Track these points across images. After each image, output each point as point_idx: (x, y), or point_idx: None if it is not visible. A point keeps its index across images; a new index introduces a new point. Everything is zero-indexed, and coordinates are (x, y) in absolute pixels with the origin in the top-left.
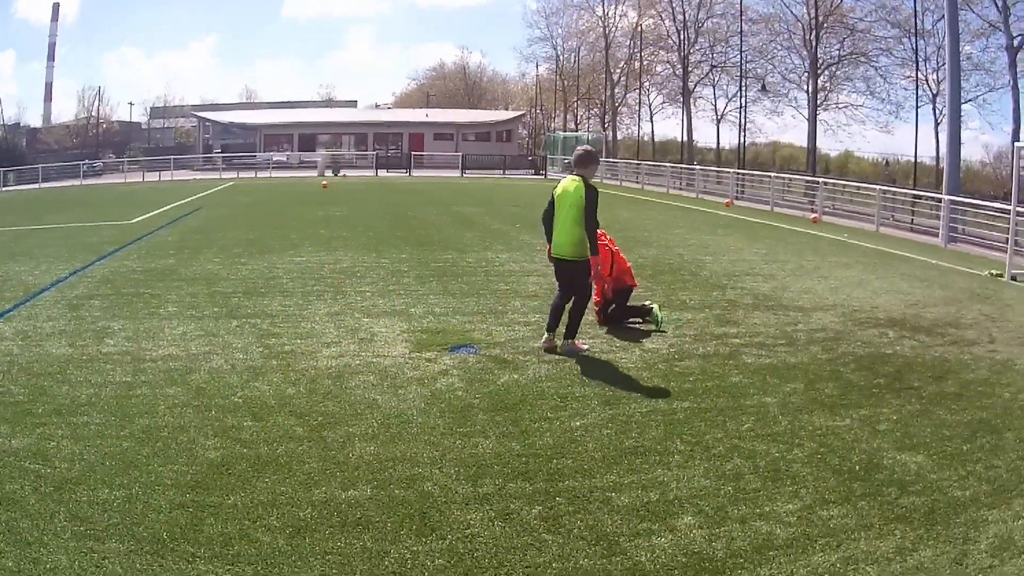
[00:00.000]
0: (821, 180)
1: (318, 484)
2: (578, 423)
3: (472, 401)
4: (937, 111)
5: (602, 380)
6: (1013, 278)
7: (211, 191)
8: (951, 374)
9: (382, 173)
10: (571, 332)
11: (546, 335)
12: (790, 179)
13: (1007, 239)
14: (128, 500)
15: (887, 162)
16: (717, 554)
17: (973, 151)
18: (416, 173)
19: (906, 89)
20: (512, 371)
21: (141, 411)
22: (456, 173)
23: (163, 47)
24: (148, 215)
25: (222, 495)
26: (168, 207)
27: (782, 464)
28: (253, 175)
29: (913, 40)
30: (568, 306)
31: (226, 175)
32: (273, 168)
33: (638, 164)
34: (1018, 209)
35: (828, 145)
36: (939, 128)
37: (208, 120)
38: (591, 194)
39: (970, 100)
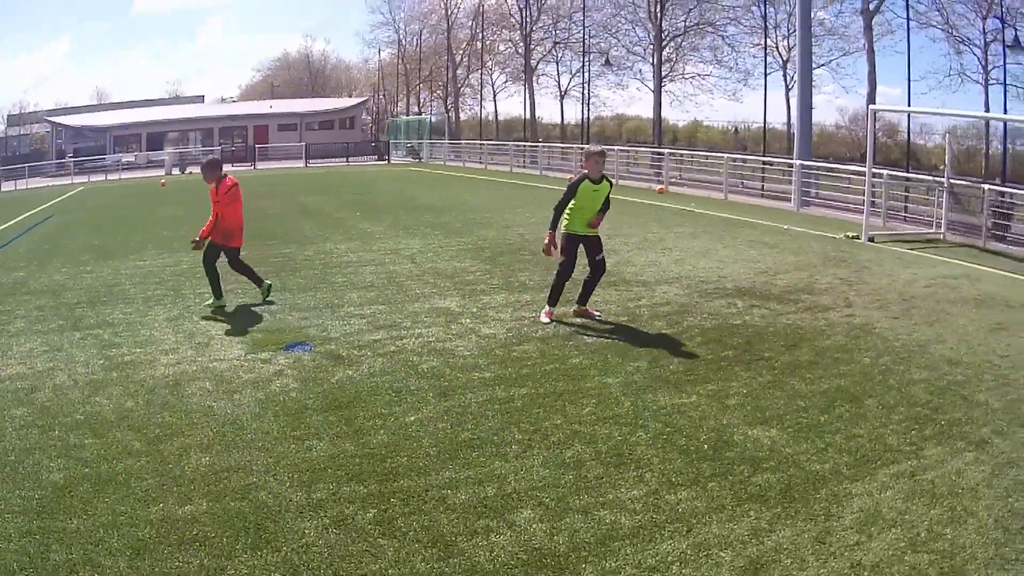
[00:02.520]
0: (667, 151)
1: (156, 501)
2: (412, 418)
3: (306, 402)
4: (788, 77)
5: (437, 371)
6: (871, 239)
7: (63, 197)
8: (805, 342)
9: (227, 168)
10: (582, 299)
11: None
12: (636, 151)
13: (863, 200)
14: None
15: (736, 129)
16: (559, 549)
17: (828, 114)
18: (261, 166)
19: (755, 57)
20: (346, 367)
21: None
22: (300, 164)
23: (19, 51)
24: (3, 226)
25: (66, 519)
26: (23, 216)
27: (625, 448)
28: (104, 178)
29: (763, 7)
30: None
31: (78, 179)
32: (123, 170)
33: (481, 144)
34: (873, 170)
35: (676, 116)
36: (790, 94)
37: (60, 124)
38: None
39: (824, 64)
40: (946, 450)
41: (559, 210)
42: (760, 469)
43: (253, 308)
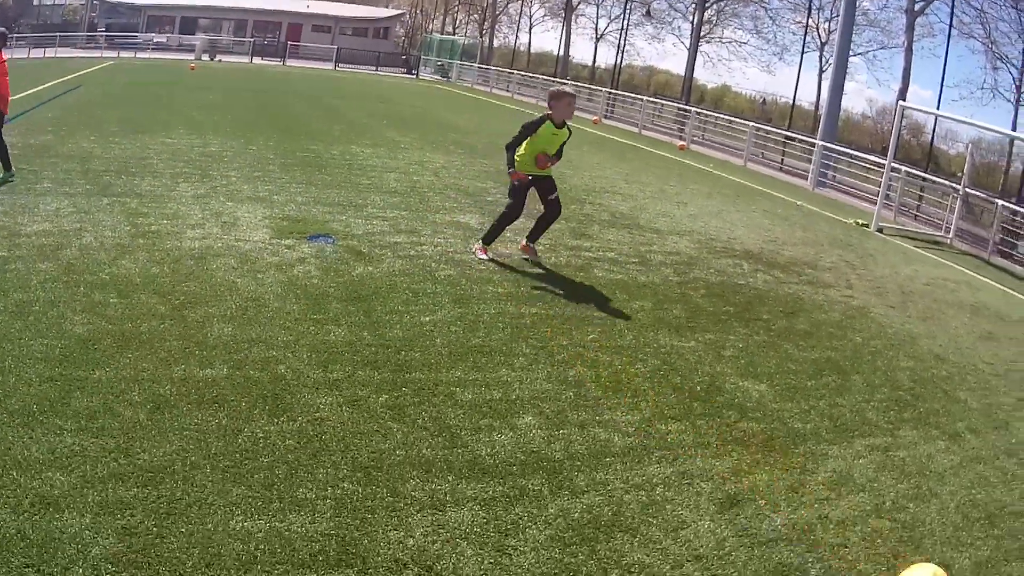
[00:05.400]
0: (693, 109)
1: (178, 362)
2: (428, 318)
3: (327, 290)
4: (823, 59)
5: (454, 279)
6: (879, 230)
7: (92, 69)
8: (803, 312)
9: (257, 60)
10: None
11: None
12: (663, 104)
13: (878, 191)
14: (1, 372)
15: (764, 100)
16: (555, 455)
17: (857, 103)
18: (291, 63)
19: (794, 34)
20: (367, 263)
21: (15, 285)
22: (330, 66)
23: None
24: (31, 91)
25: (88, 370)
26: (50, 83)
27: (624, 376)
28: (133, 55)
29: None
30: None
31: (108, 54)
32: (153, 49)
33: (511, 73)
34: (892, 164)
35: (706, 77)
36: (823, 76)
37: None
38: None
39: (860, 54)
40: (921, 434)
41: (511, 148)
42: (746, 417)
43: (275, 198)
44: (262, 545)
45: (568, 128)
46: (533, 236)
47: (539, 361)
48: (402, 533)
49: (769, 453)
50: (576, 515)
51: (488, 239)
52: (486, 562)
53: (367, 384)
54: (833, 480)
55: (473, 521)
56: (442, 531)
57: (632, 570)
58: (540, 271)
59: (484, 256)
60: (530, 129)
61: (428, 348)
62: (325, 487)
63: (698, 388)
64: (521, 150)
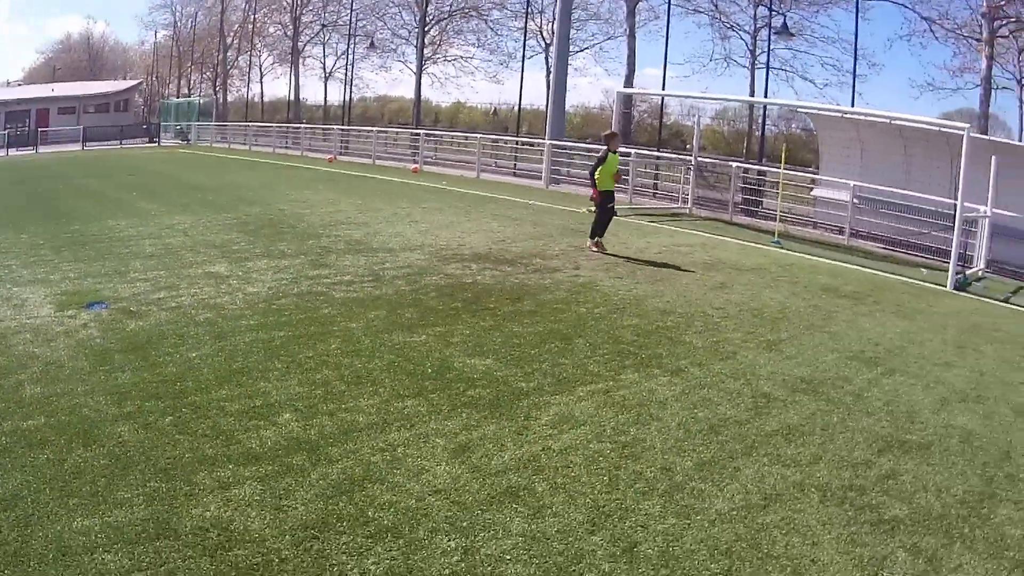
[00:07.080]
0: (422, 132)
1: (4, 420)
2: (194, 354)
3: (109, 345)
4: (550, 61)
5: (211, 320)
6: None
7: None
8: (528, 296)
9: (12, 152)
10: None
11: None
12: (397, 132)
13: None
14: None
15: (495, 111)
16: (312, 437)
17: (593, 96)
18: (43, 149)
19: (517, 41)
20: (138, 319)
21: None
22: (79, 146)
23: None
24: None
25: None
26: None
27: (364, 372)
28: None
29: None
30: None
31: None
32: None
33: (246, 126)
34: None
35: (439, 97)
36: (551, 76)
37: None
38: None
39: (587, 48)
40: (642, 375)
41: (592, 173)
42: (474, 386)
43: (52, 278)
44: (100, 535)
45: (619, 153)
46: (594, 236)
47: (291, 372)
48: (201, 509)
49: (496, 410)
50: (334, 477)
51: (595, 235)
52: (267, 518)
53: (154, 411)
54: (555, 421)
55: (253, 493)
56: (231, 503)
57: (384, 507)
58: (283, 302)
59: (595, 250)
60: (602, 159)
61: (198, 377)
62: (136, 488)
63: (429, 370)
64: (599, 175)
